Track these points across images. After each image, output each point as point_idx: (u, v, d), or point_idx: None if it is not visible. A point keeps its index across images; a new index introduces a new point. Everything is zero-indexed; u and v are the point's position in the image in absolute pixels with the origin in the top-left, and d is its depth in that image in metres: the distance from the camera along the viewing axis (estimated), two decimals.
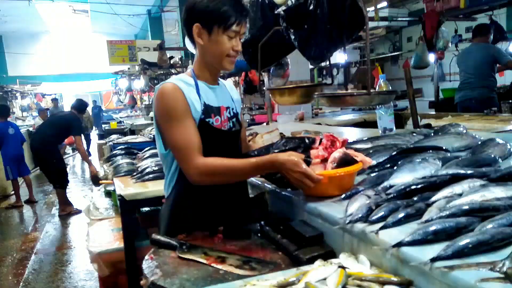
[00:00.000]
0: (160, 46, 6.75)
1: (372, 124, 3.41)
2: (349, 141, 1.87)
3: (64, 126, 5.56)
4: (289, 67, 3.67)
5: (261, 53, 2.11)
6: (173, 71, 7.94)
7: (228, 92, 1.63)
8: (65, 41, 18.52)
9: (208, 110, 1.48)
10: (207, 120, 1.46)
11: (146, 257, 1.28)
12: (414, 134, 2.06)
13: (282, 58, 2.62)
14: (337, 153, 1.38)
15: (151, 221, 2.30)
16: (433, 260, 0.82)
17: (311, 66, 5.82)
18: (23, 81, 16.37)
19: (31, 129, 9.58)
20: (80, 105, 5.87)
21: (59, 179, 5.63)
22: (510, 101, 4.04)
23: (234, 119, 1.59)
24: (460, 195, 1.06)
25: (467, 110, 4.21)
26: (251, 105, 7.45)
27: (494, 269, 0.76)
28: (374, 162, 1.48)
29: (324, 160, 1.39)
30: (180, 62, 7.84)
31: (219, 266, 1.16)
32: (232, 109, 1.60)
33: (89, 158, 6.09)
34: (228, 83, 1.73)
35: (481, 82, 4.36)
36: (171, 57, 7.53)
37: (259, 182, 1.75)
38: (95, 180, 5.34)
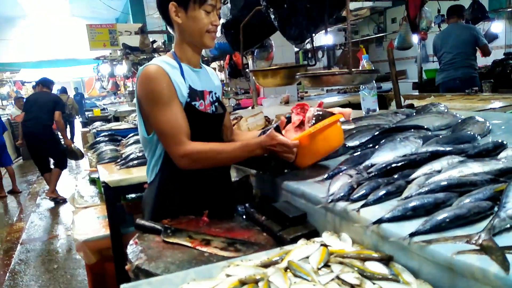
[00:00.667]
0: (141, 30, 6.60)
1: (357, 106, 3.42)
2: None
3: (52, 105, 5.74)
4: (273, 49, 3.64)
5: (243, 34, 2.08)
6: (156, 55, 7.79)
7: (210, 78, 1.63)
8: (44, 26, 17.90)
9: (193, 94, 1.46)
10: (193, 103, 1.44)
11: (131, 242, 1.28)
12: (396, 114, 2.07)
13: (265, 39, 2.58)
14: (310, 112, 1.37)
15: (137, 207, 2.28)
16: (412, 235, 0.84)
17: (296, 49, 5.78)
18: (1, 69, 15.85)
19: (11, 118, 9.33)
20: (45, 82, 6.12)
21: (62, 159, 5.81)
22: (491, 80, 4.09)
23: (216, 104, 1.58)
24: (439, 171, 1.08)
25: (451, 90, 4.24)
26: (236, 90, 7.39)
27: (470, 242, 0.78)
28: (350, 111, 1.45)
29: (302, 124, 1.39)
30: (163, 46, 7.69)
31: (204, 249, 1.16)
32: (215, 93, 1.59)
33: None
34: (210, 69, 1.71)
35: (465, 62, 4.40)
36: (154, 41, 7.36)
37: (243, 166, 1.75)
38: (71, 153, 5.82)
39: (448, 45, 4.51)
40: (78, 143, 6.91)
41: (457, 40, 4.42)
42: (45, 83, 6.12)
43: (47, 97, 5.93)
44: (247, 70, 3.78)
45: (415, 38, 4.88)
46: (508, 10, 6.09)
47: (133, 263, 1.12)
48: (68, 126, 11.75)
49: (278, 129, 1.39)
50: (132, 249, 1.21)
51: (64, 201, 5.53)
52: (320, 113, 1.35)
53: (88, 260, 2.18)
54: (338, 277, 0.83)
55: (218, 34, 3.57)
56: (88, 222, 2.46)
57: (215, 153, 1.41)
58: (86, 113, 9.62)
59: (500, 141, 1.23)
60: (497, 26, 6.15)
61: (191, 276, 0.92)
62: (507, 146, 1.21)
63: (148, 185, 1.59)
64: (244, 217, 1.42)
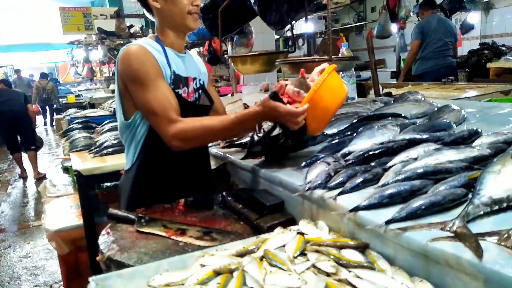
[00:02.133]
0: (117, 14, 6.38)
1: None
2: None
3: (23, 96, 6.29)
4: (253, 36, 3.59)
5: (221, 19, 2.02)
6: (133, 40, 7.57)
7: (196, 63, 1.57)
8: (14, 8, 17.10)
9: (177, 80, 1.41)
10: (176, 91, 1.39)
11: (103, 232, 1.23)
12: (375, 102, 2.08)
13: (244, 25, 2.53)
14: (289, 85, 1.26)
15: (112, 196, 2.23)
16: (388, 222, 0.84)
17: (276, 36, 5.73)
18: None
19: None
20: (5, 81, 6.66)
21: (34, 139, 6.13)
22: (467, 70, 4.17)
23: (200, 91, 1.53)
24: (415, 159, 1.08)
25: (441, 78, 4.16)
26: (216, 77, 7.30)
27: (444, 228, 0.78)
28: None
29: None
30: (140, 32, 7.48)
31: (179, 238, 1.14)
32: (199, 80, 1.54)
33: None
34: (196, 56, 1.66)
35: (453, 51, 4.49)
36: (131, 26, 7.16)
37: (221, 153, 1.73)
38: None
39: (440, 32, 4.46)
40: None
41: (449, 29, 4.47)
42: (5, 82, 6.57)
43: (14, 91, 6.44)
44: (225, 56, 3.71)
45: (394, 27, 4.92)
46: (484, 1, 6.20)
47: (105, 254, 1.08)
48: (47, 110, 11.64)
49: (276, 96, 1.23)
50: (104, 239, 1.17)
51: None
52: (302, 81, 1.27)
53: (60, 250, 2.11)
54: (314, 266, 0.83)
55: None
56: (60, 212, 2.38)
57: (208, 129, 1.32)
58: (60, 99, 9.32)
59: (475, 129, 1.25)
60: (473, 17, 6.28)
61: (163, 267, 0.89)
62: (482, 134, 1.22)
63: (124, 172, 1.54)
64: (221, 205, 1.39)
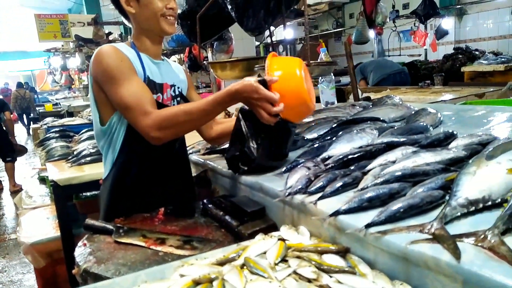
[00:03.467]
0: (95, 21, 6.28)
1: (316, 99, 3.47)
2: None
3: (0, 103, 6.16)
4: (233, 42, 3.58)
5: (200, 25, 2.01)
6: None
7: (174, 70, 1.55)
8: None
9: (152, 86, 1.38)
10: None
11: (79, 243, 1.20)
12: (354, 106, 2.10)
13: (223, 31, 2.53)
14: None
15: (92, 206, 2.17)
16: (367, 226, 0.84)
17: (257, 43, 5.75)
18: None
19: None
20: None
21: (11, 151, 5.89)
22: (442, 74, 4.28)
23: (178, 98, 1.52)
24: (394, 162, 1.09)
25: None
26: (197, 83, 7.27)
27: (423, 231, 0.78)
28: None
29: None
30: (120, 39, 7.39)
31: (159, 248, 1.11)
32: (178, 88, 1.52)
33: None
34: (175, 63, 1.64)
35: None
36: (109, 33, 7.06)
37: (202, 160, 1.71)
38: (19, 152, 6.13)
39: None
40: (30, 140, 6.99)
41: None
42: None
43: None
44: (205, 62, 3.70)
45: (371, 33, 5.01)
46: (458, 7, 6.40)
47: (81, 267, 1.05)
48: (25, 118, 11.45)
49: (264, 82, 1.18)
50: (80, 251, 1.13)
51: None
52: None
53: (36, 263, 2.04)
54: (295, 272, 0.82)
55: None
56: (36, 224, 2.31)
57: (185, 113, 1.26)
58: (38, 108, 9.10)
59: (450, 131, 1.27)
60: (447, 22, 6.46)
61: (141, 278, 0.86)
62: (457, 136, 1.25)
63: (102, 181, 1.51)
64: (202, 213, 1.37)
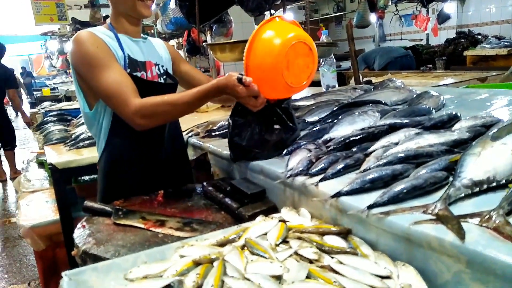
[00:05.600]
0: (91, 3, 6.16)
1: (317, 83, 3.44)
2: (294, 99, 1.81)
3: (2, 79, 5.36)
4: (233, 25, 3.53)
5: (199, 6, 1.97)
6: None
7: (156, 50, 1.52)
8: None
9: (134, 64, 1.37)
10: (134, 74, 1.35)
11: (78, 225, 1.19)
12: (355, 90, 2.07)
13: (222, 12, 2.48)
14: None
15: (91, 189, 2.16)
16: (370, 207, 0.82)
17: (256, 26, 5.67)
18: None
19: None
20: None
21: (12, 139, 5.59)
22: (444, 58, 4.24)
23: (164, 77, 1.49)
24: (396, 143, 1.08)
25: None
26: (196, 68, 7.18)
27: (426, 212, 0.77)
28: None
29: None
30: None
31: (158, 230, 1.10)
32: (162, 66, 1.49)
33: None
34: (159, 41, 1.61)
35: None
36: (106, 16, 6.95)
37: (201, 143, 1.69)
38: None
39: None
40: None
41: None
42: None
43: None
44: (203, 44, 3.65)
45: (373, 17, 4.94)
46: None
47: (80, 248, 1.04)
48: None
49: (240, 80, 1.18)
50: (79, 233, 1.13)
51: None
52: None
53: (36, 246, 2.04)
54: (296, 253, 0.81)
55: (172, 5, 3.40)
56: (35, 207, 2.30)
57: (170, 103, 1.26)
58: (35, 93, 9.01)
59: (454, 113, 1.25)
60: (449, 7, 6.36)
61: (141, 259, 0.86)
62: (461, 118, 1.23)
63: (98, 165, 1.50)
64: (202, 196, 1.36)
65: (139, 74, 1.36)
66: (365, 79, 3.27)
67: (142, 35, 1.50)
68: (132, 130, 1.31)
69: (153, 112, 1.26)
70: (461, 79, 2.92)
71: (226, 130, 1.66)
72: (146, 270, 0.80)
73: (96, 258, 0.99)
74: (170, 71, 1.55)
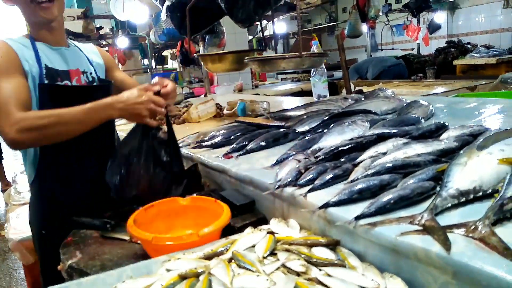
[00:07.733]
0: (84, 14, 6.17)
1: (309, 93, 3.46)
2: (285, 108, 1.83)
3: None
4: (225, 36, 3.54)
5: (190, 17, 1.98)
6: (103, 42, 7.37)
7: (85, 56, 1.48)
8: None
9: (53, 74, 1.32)
10: (56, 83, 1.32)
11: (65, 240, 1.17)
12: (346, 99, 2.08)
13: (213, 23, 2.49)
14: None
15: None
16: (357, 218, 0.82)
17: (249, 37, 5.71)
18: None
19: None
20: None
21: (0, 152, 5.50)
22: (435, 67, 4.28)
23: (95, 84, 1.45)
24: (384, 153, 1.08)
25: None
26: (190, 78, 7.20)
27: (413, 222, 0.77)
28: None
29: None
30: (111, 33, 7.29)
31: None
32: (91, 73, 1.45)
33: None
34: (91, 47, 1.57)
35: None
36: (100, 27, 6.95)
37: (191, 154, 1.68)
38: None
39: None
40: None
41: None
42: None
43: None
44: (195, 55, 3.66)
45: (364, 27, 5.00)
46: (450, 1, 6.39)
47: (66, 263, 1.02)
48: None
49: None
50: (66, 247, 1.11)
51: None
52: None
53: (25, 260, 2.01)
54: (284, 265, 0.80)
55: (164, 16, 3.40)
56: (24, 220, 2.26)
57: (53, 116, 1.15)
58: None
59: (442, 122, 1.26)
60: (439, 17, 6.46)
61: (127, 273, 0.84)
62: (449, 127, 1.23)
63: (30, 187, 1.46)
64: None
65: (61, 83, 1.32)
66: (356, 88, 3.30)
67: (69, 41, 1.46)
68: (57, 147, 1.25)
69: (34, 125, 1.14)
70: (451, 88, 2.95)
71: (217, 140, 1.66)
72: (131, 285, 0.79)
73: (82, 273, 0.98)
74: (103, 76, 1.52)
